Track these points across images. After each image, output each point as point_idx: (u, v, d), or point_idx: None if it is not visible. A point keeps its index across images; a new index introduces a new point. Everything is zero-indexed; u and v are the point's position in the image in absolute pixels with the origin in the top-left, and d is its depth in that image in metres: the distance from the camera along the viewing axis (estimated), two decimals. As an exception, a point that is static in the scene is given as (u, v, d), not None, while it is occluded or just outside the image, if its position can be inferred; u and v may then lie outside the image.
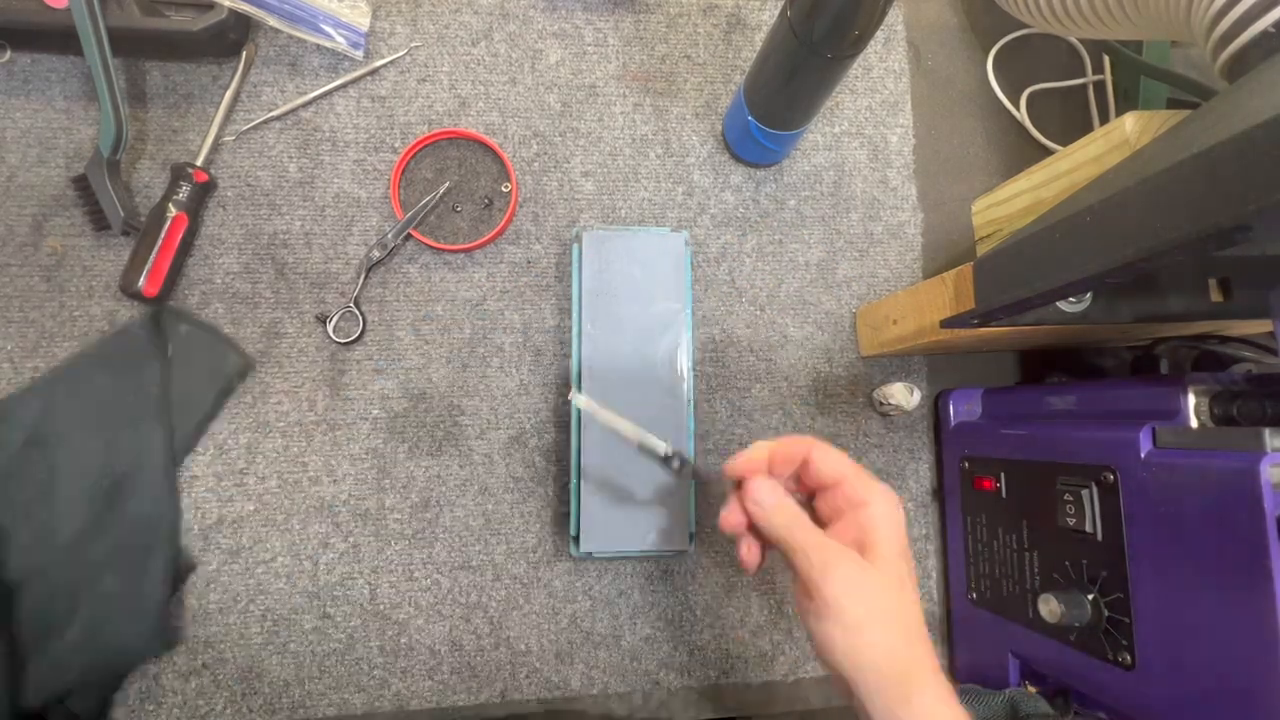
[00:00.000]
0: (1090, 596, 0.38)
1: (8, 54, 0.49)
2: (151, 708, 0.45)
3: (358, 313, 0.49)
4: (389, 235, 0.49)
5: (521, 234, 0.52)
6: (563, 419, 0.51)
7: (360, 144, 0.51)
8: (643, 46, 0.55)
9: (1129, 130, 0.36)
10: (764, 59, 0.44)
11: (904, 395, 0.50)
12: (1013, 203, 0.45)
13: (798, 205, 0.55)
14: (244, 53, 0.50)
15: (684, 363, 0.47)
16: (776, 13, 0.56)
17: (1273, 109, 0.21)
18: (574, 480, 0.46)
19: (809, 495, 0.36)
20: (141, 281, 0.46)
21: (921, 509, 0.54)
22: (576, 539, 0.46)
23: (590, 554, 0.46)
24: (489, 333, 0.51)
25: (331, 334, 0.48)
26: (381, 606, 0.48)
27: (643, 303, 0.47)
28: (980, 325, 0.39)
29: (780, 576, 0.51)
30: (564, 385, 0.51)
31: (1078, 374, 0.54)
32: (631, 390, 0.46)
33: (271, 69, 0.51)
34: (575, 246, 0.48)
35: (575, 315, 0.48)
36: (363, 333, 0.49)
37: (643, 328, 0.47)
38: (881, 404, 0.52)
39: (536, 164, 0.53)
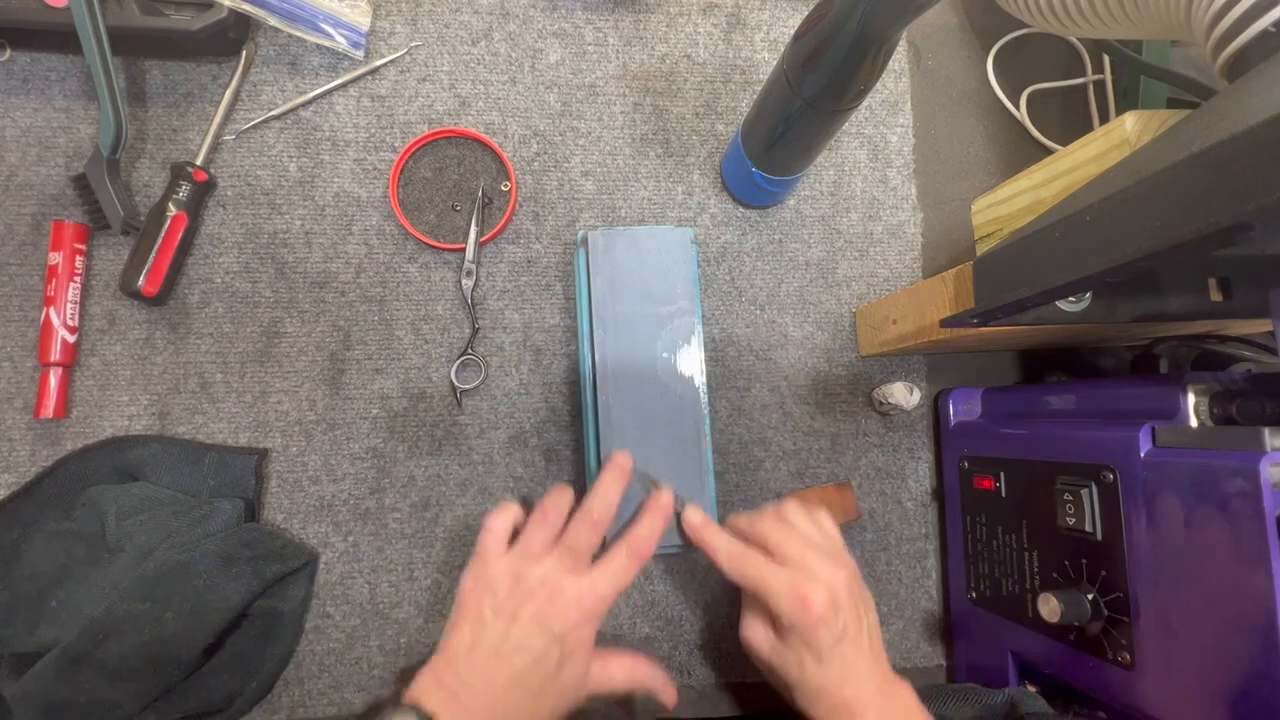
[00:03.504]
0: (1090, 596, 0.38)
1: (7, 53, 0.49)
2: (151, 707, 0.45)
3: (478, 359, 0.49)
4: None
5: (521, 233, 0.52)
6: (561, 419, 0.51)
7: (360, 143, 0.51)
8: (643, 46, 0.55)
9: (1129, 130, 0.36)
10: (763, 112, 0.43)
11: (903, 395, 0.50)
12: (1012, 202, 0.45)
13: (797, 205, 0.55)
14: (244, 52, 0.50)
15: (696, 360, 0.47)
16: (776, 14, 0.56)
17: (1273, 108, 0.21)
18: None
19: None
20: (141, 281, 0.46)
21: (921, 509, 0.54)
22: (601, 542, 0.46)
23: None
24: (489, 332, 0.51)
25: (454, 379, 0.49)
26: (381, 606, 0.48)
27: (653, 301, 0.47)
28: (980, 325, 0.39)
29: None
30: (564, 385, 0.51)
31: (1077, 373, 0.54)
32: (646, 390, 0.46)
33: (271, 68, 0.51)
34: (581, 250, 0.48)
35: (583, 318, 0.47)
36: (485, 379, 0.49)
37: (653, 326, 0.47)
38: (881, 403, 0.52)
39: (536, 163, 0.53)
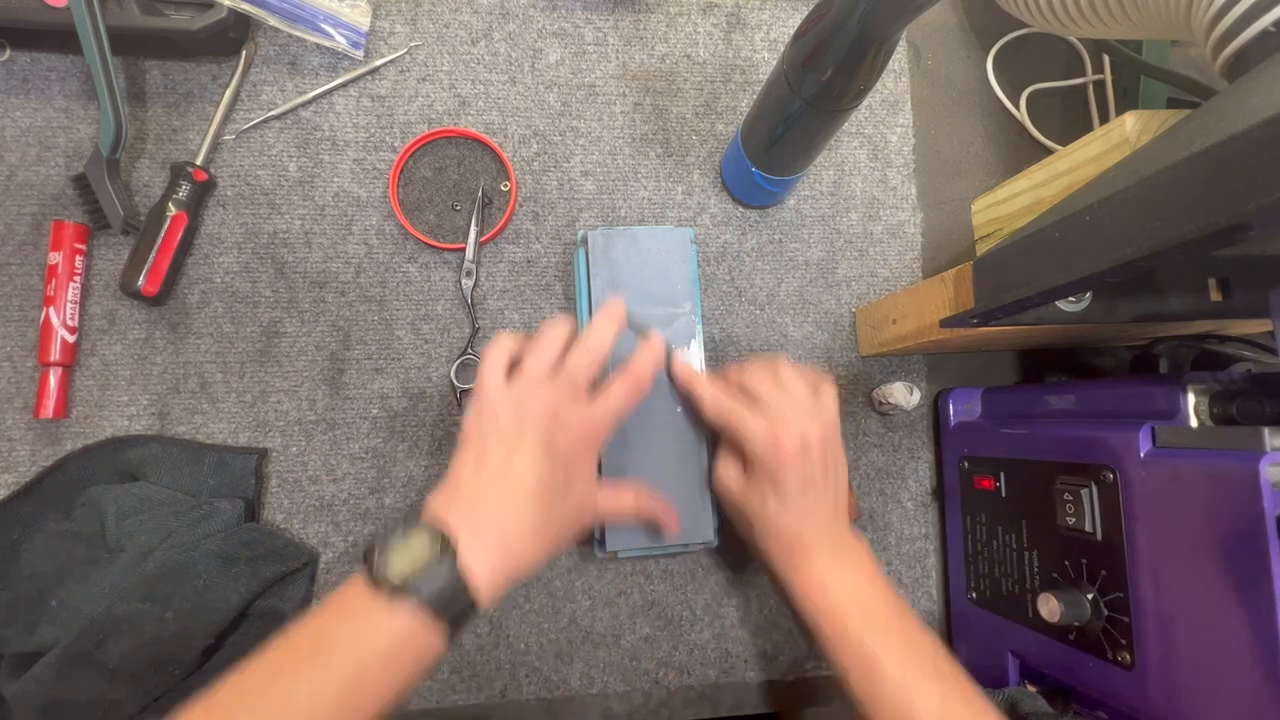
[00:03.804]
0: (1090, 596, 0.38)
1: (7, 53, 0.49)
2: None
3: (478, 359, 0.50)
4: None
5: (521, 233, 0.52)
6: (562, 418, 0.51)
7: (360, 143, 0.51)
8: (643, 46, 0.55)
9: (1129, 130, 0.36)
10: (763, 112, 0.43)
11: (903, 395, 0.50)
12: (1012, 202, 0.45)
13: (797, 205, 0.55)
14: (244, 52, 0.50)
15: (696, 360, 0.47)
16: (776, 14, 0.56)
17: (1273, 108, 0.21)
18: None
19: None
20: (141, 281, 0.46)
21: (921, 509, 0.54)
22: (601, 540, 0.46)
23: (616, 554, 0.46)
24: (489, 332, 0.51)
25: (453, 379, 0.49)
26: (381, 606, 0.48)
27: (653, 301, 0.47)
28: (980, 325, 0.39)
29: (780, 576, 0.51)
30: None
31: (1077, 373, 0.54)
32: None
33: (271, 68, 0.51)
34: (581, 250, 0.48)
35: (584, 318, 0.47)
36: None
37: (653, 326, 0.47)
38: (881, 403, 0.52)
39: (536, 163, 0.53)
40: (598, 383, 0.40)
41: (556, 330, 0.41)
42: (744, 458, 0.41)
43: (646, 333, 0.43)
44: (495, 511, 0.35)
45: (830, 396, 0.42)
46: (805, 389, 0.42)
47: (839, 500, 0.41)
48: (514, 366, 0.39)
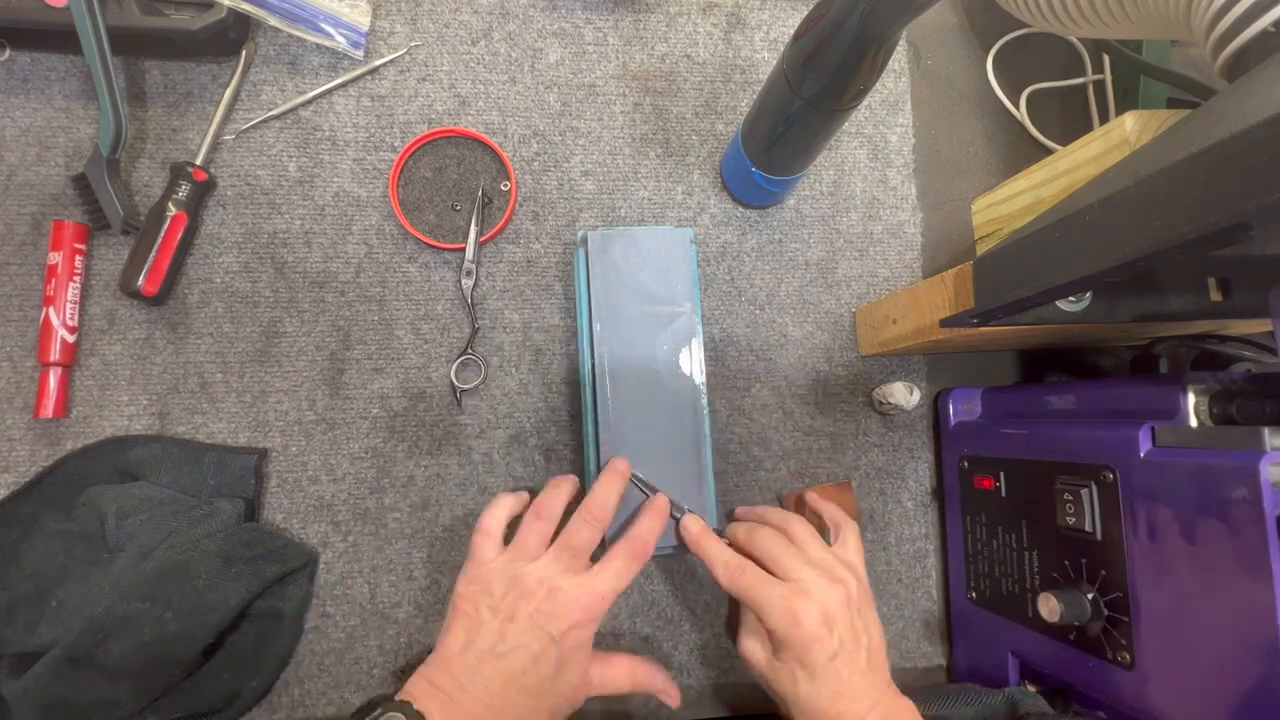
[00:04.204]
0: (1089, 596, 0.38)
1: (7, 53, 0.49)
2: (151, 707, 0.45)
3: (477, 359, 0.50)
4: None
5: (521, 233, 0.52)
6: (561, 418, 0.51)
7: (360, 143, 0.51)
8: (643, 46, 0.55)
9: (1129, 130, 0.36)
10: (763, 112, 0.43)
11: (903, 394, 0.50)
12: (1012, 202, 0.45)
13: (797, 204, 0.55)
14: (244, 52, 0.50)
15: (696, 360, 0.47)
16: (776, 14, 0.56)
17: (1273, 108, 0.21)
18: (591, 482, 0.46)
19: None
20: (141, 281, 0.46)
21: (921, 509, 0.54)
22: (601, 544, 0.46)
23: None
24: (489, 332, 0.51)
25: (453, 378, 0.49)
26: (381, 606, 0.48)
27: (652, 301, 0.47)
28: (980, 324, 0.39)
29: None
30: (564, 384, 0.51)
31: (1077, 373, 0.54)
32: (646, 389, 0.46)
33: (271, 68, 0.51)
34: (581, 250, 0.48)
35: (583, 318, 0.47)
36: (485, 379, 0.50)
37: (653, 326, 0.47)
38: (881, 403, 0.52)
39: (536, 163, 0.53)
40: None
41: (558, 494, 0.40)
42: (766, 628, 0.39)
43: (652, 494, 0.43)
44: (482, 701, 0.34)
45: (852, 543, 0.41)
46: (822, 548, 0.40)
47: (873, 653, 0.38)
48: (512, 527, 0.39)
